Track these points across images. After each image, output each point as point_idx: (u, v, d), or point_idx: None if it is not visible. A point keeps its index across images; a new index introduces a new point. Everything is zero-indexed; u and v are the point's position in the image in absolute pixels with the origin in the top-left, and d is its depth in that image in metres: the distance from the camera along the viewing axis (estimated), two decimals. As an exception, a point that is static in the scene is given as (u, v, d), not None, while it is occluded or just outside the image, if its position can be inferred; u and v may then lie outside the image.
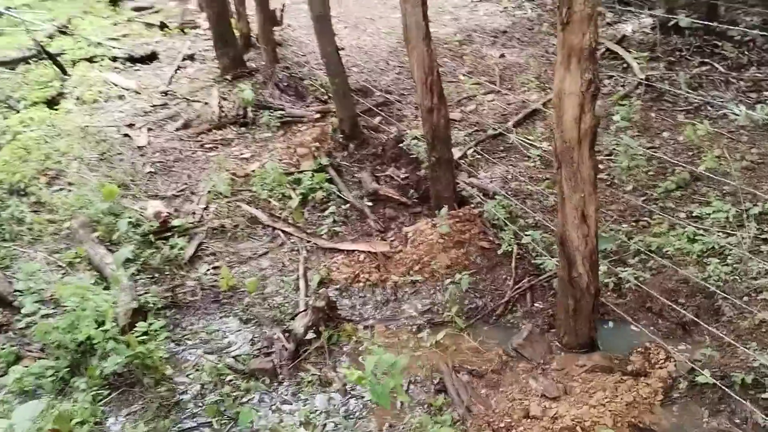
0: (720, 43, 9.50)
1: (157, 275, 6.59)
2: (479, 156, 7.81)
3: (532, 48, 10.64)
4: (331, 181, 7.78)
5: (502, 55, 10.56)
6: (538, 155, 7.51)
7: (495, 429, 4.51)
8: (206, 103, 10.27)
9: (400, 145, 7.90)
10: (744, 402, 4.32)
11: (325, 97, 9.80)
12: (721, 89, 8.33)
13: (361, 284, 6.25)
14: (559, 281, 5.01)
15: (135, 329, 5.47)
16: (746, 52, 9.31)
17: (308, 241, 6.93)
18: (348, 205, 7.38)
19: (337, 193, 7.56)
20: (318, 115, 9.27)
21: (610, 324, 5.44)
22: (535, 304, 5.69)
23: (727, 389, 4.42)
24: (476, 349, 5.36)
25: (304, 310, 5.75)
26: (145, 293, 6.16)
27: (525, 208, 6.61)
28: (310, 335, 5.43)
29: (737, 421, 4.32)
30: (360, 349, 5.49)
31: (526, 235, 6.12)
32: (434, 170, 6.68)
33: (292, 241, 6.98)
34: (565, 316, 5.11)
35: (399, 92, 9.88)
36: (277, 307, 6.03)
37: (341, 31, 8.75)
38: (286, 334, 5.62)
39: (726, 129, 7.37)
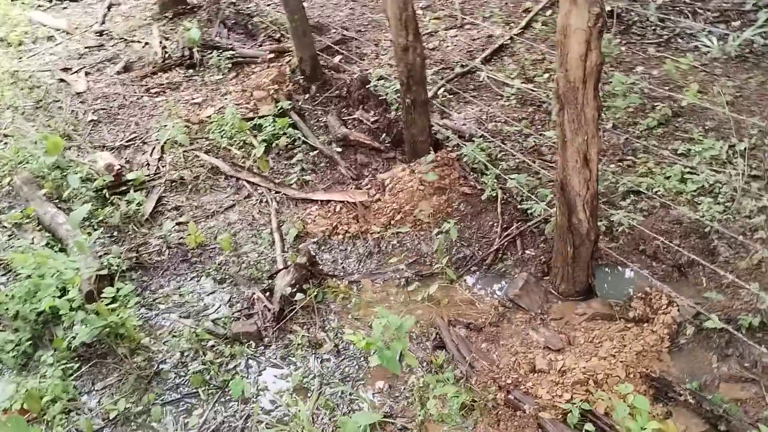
0: (681, -27, 9.30)
1: (116, 234, 6.11)
2: (450, 96, 7.47)
3: (489, -21, 10.20)
4: (294, 126, 7.32)
5: (460, -12, 10.10)
6: (512, 93, 7.21)
7: (501, 386, 4.34)
8: (147, 44, 9.55)
9: (367, 86, 7.47)
10: (753, 345, 4.26)
11: (278, 35, 9.21)
12: (689, 19, 8.16)
13: (341, 237, 5.93)
14: (558, 228, 4.80)
15: (102, 296, 5.03)
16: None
17: (277, 192, 6.52)
18: (316, 151, 6.97)
19: (303, 138, 7.13)
20: (272, 55, 8.70)
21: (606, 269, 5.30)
22: (526, 251, 5.49)
23: (735, 333, 4.35)
24: (470, 301, 5.16)
25: (285, 267, 5.40)
26: (106, 254, 5.69)
27: (506, 149, 6.35)
28: (297, 295, 5.10)
29: (747, 365, 4.26)
30: (348, 306, 5.21)
31: (510, 179, 5.89)
32: (409, 113, 6.32)
33: (260, 192, 6.56)
34: (562, 263, 4.93)
35: (356, 28, 9.35)
36: (253, 265, 5.65)
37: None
38: (267, 294, 5.29)
39: (699, 62, 7.23)
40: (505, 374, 4.41)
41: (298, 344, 4.87)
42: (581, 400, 4.07)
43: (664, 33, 7.94)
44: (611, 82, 6.74)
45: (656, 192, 5.58)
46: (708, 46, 7.38)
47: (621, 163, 6.08)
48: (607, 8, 8.25)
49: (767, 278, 4.70)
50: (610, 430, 3.89)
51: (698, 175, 5.61)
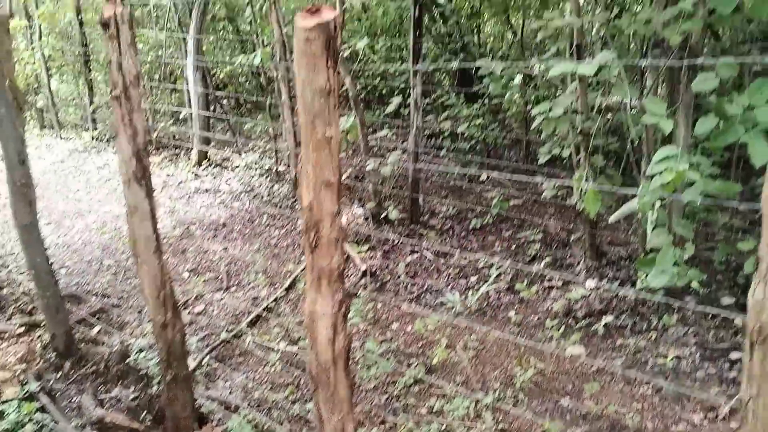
0: (425, 232, 10.49)
1: None
2: (215, 365, 7.38)
3: (254, 241, 10.72)
4: (44, 409, 6.71)
5: (225, 249, 10.46)
6: (277, 359, 7.31)
7: None
8: None
9: (127, 359, 7.17)
10: None
11: (30, 306, 8.71)
12: (434, 277, 9.06)
13: None
14: None
15: None
16: (447, 239, 10.37)
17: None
18: (67, 438, 6.38)
19: (53, 425, 6.52)
20: (22, 329, 8.13)
21: None
22: None
23: None
24: None
25: None
26: None
27: (272, 420, 6.29)
28: None
29: None
30: None
31: (277, 452, 5.78)
32: (170, 389, 6.11)
33: (-4, 495, 5.77)
34: None
35: (118, 295, 9.15)
36: None
37: (44, 228, 8.04)
38: None
39: (446, 316, 7.94)
40: None
41: None
42: None
43: (414, 290, 8.70)
44: (367, 348, 7.13)
45: (418, 453, 5.76)
46: (452, 301, 8.17)
47: (383, 425, 6.25)
48: (363, 268, 8.99)
49: None
50: None
51: (453, 432, 5.92)
